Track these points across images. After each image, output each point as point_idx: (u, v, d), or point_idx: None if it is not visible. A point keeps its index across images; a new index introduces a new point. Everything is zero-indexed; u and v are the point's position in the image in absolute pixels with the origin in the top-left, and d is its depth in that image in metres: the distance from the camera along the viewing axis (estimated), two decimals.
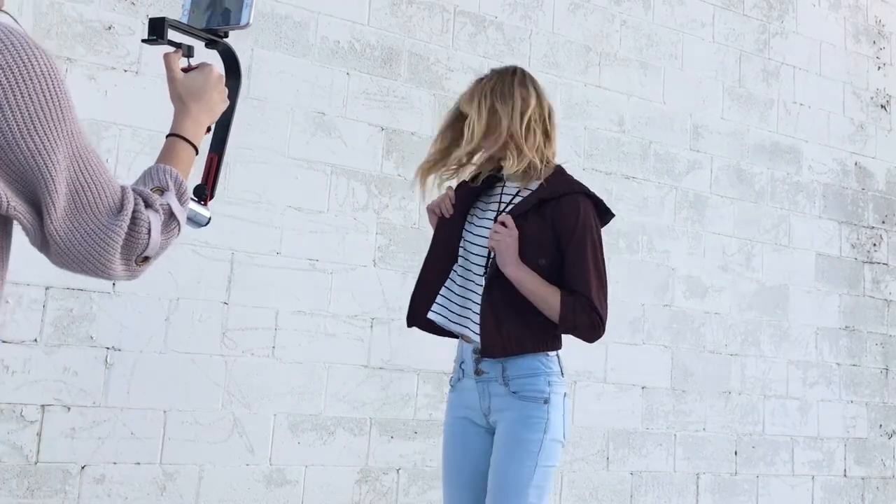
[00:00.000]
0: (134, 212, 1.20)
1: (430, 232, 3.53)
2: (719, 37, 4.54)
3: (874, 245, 4.94)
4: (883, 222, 5.00)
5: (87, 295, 2.92)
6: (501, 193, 2.40)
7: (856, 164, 4.94)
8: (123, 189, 1.21)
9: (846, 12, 5.05)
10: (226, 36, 1.57)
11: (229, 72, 1.60)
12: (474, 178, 2.45)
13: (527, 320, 2.23)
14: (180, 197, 1.31)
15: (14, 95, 1.08)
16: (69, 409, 2.87)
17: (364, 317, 3.42)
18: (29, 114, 1.09)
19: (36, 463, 2.81)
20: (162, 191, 1.29)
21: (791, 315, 4.55)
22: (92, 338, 2.92)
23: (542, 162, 2.33)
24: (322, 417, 3.30)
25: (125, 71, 3.05)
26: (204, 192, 1.58)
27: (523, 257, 2.24)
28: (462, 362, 2.34)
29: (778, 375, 4.48)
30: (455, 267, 2.39)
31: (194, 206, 1.52)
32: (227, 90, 1.52)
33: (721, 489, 4.24)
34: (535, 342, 2.24)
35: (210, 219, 1.57)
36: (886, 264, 4.98)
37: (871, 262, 4.91)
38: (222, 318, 3.14)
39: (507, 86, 2.35)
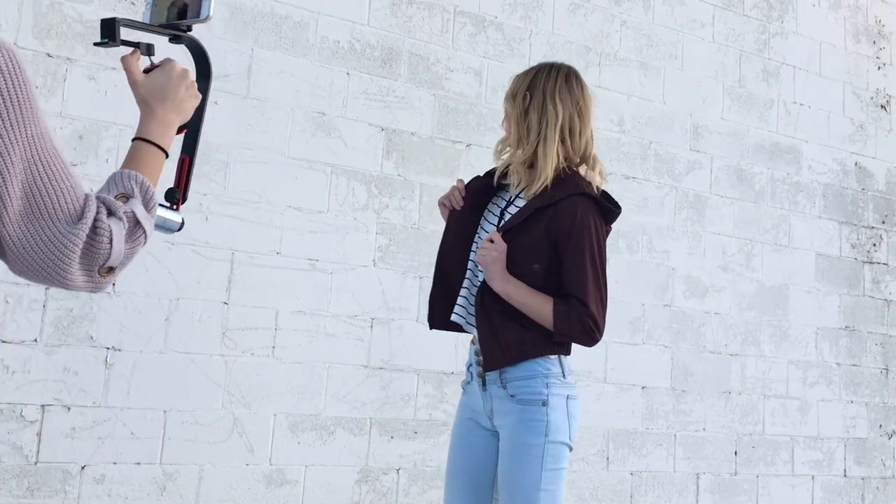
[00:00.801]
0: (95, 220, 1.15)
1: (430, 232, 3.54)
2: (719, 37, 4.54)
3: (874, 245, 4.94)
4: (883, 222, 5.00)
5: (87, 295, 2.92)
6: (510, 193, 2.37)
7: (856, 164, 4.94)
8: (86, 197, 1.16)
9: (846, 12, 5.05)
10: (189, 30, 1.50)
11: (198, 67, 1.53)
12: (488, 173, 2.42)
13: (524, 325, 2.20)
14: (146, 203, 1.25)
15: None
16: (69, 409, 2.87)
17: (364, 317, 3.42)
18: None
19: (36, 463, 2.81)
20: (127, 197, 1.23)
21: (791, 315, 4.55)
22: (92, 338, 2.92)
23: (555, 170, 2.27)
24: (322, 417, 3.30)
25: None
26: (175, 196, 1.51)
27: (518, 263, 2.21)
28: (470, 365, 2.34)
29: (778, 375, 4.48)
30: (469, 264, 2.36)
31: (164, 212, 1.46)
32: (195, 85, 1.45)
33: (721, 489, 4.24)
34: (536, 346, 2.19)
35: (182, 224, 1.51)
36: (886, 264, 4.98)
37: (871, 262, 4.91)
38: (222, 318, 3.14)
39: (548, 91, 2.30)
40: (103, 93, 2.99)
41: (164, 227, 1.47)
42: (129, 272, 2.99)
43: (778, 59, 4.72)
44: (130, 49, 1.43)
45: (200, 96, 1.46)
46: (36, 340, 2.84)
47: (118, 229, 1.17)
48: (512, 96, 2.35)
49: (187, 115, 1.43)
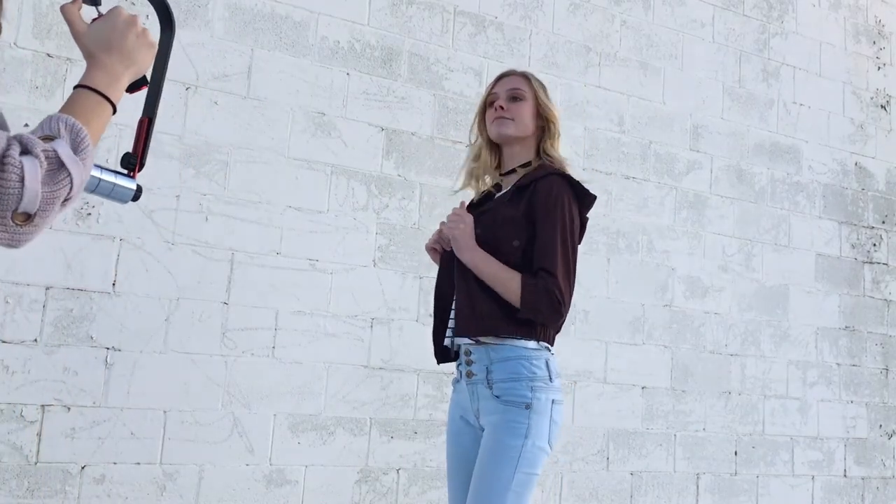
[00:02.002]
0: (3, 156, 1.01)
1: (430, 232, 3.54)
2: (719, 37, 4.54)
3: (874, 245, 4.94)
4: (883, 222, 5.00)
5: (87, 295, 2.92)
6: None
7: (856, 164, 4.94)
8: (7, 136, 1.03)
9: (846, 12, 5.05)
10: None
11: (160, 18, 1.43)
12: (471, 203, 2.46)
13: (499, 303, 2.19)
14: (76, 146, 1.10)
15: None
16: (69, 409, 2.87)
17: (364, 317, 3.42)
18: None
19: (36, 463, 2.81)
20: (51, 139, 1.08)
21: (791, 315, 4.55)
22: (92, 338, 2.92)
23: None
24: (322, 417, 3.30)
25: None
26: (132, 162, 1.37)
27: (500, 240, 2.23)
28: (459, 364, 2.34)
29: (778, 375, 4.47)
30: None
31: (114, 178, 1.33)
32: (148, 33, 1.31)
33: (721, 489, 4.23)
34: (509, 327, 2.18)
35: (139, 191, 1.37)
36: (886, 264, 4.98)
37: (871, 263, 4.91)
38: (222, 318, 3.14)
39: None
40: None
41: (112, 194, 1.34)
42: (129, 272, 2.99)
43: (778, 59, 4.72)
44: None
45: (156, 46, 1.33)
46: (36, 340, 2.84)
47: (32, 166, 1.02)
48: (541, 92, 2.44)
49: (141, 66, 1.29)
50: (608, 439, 3.93)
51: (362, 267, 3.43)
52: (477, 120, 2.51)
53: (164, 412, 3.02)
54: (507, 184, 2.43)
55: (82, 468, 2.88)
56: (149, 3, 1.45)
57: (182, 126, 3.10)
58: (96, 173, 1.31)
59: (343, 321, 3.37)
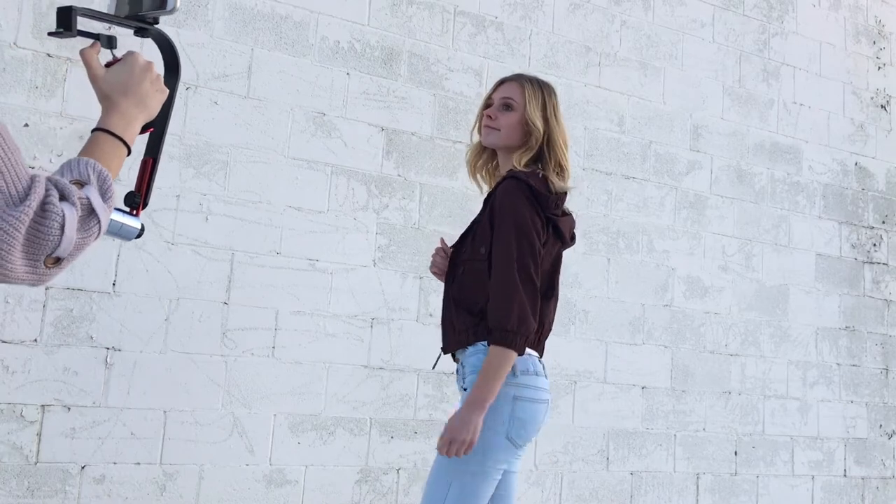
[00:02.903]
0: (44, 202, 1.02)
1: (430, 232, 3.54)
2: (719, 37, 4.54)
3: (874, 245, 4.94)
4: (883, 222, 5.00)
5: (87, 295, 2.92)
6: None
7: (856, 164, 4.94)
8: (33, 177, 1.04)
9: (846, 12, 5.05)
10: (155, 22, 1.40)
11: (166, 61, 1.44)
12: None
13: (472, 314, 2.26)
14: (104, 193, 1.13)
15: None
16: (69, 409, 2.87)
17: (364, 317, 3.42)
18: None
19: (36, 463, 2.81)
20: (82, 184, 1.11)
21: (791, 315, 4.55)
22: (92, 338, 2.92)
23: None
24: (322, 417, 3.30)
25: None
26: (135, 201, 1.40)
27: (469, 250, 2.31)
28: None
29: (778, 375, 4.48)
30: None
31: (121, 217, 1.36)
32: (161, 79, 1.36)
33: (721, 489, 4.24)
34: (477, 333, 2.25)
35: (142, 231, 1.39)
36: (886, 264, 4.98)
37: (871, 263, 4.91)
38: (222, 318, 3.14)
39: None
40: None
41: (119, 233, 1.37)
42: (129, 272, 2.99)
43: (778, 59, 4.72)
44: (90, 41, 1.34)
45: (167, 92, 1.37)
46: (36, 340, 2.84)
47: (71, 214, 1.04)
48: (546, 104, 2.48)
49: (152, 112, 1.33)
50: (608, 439, 3.93)
51: (362, 267, 3.43)
52: (476, 122, 2.53)
53: (164, 412, 3.02)
54: None
55: (82, 468, 2.88)
56: (155, 46, 1.45)
57: (182, 126, 3.10)
58: None
59: (343, 321, 3.37)
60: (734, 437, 4.30)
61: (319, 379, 3.30)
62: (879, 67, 5.14)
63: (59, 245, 1.03)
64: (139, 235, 1.38)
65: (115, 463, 2.92)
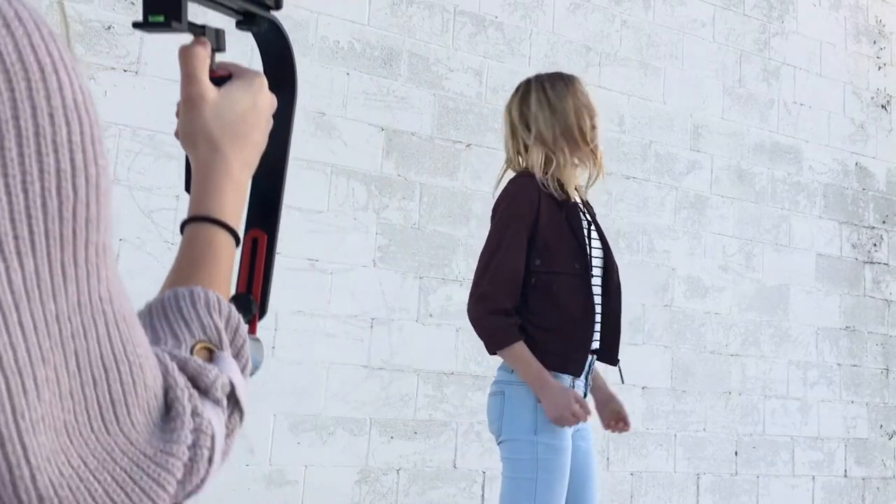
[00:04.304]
0: (192, 418, 0.55)
1: (430, 232, 3.54)
2: (719, 37, 4.53)
3: (874, 245, 4.94)
4: (883, 222, 5.00)
5: None
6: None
7: (856, 164, 4.93)
8: (162, 364, 0.55)
9: (846, 12, 5.05)
10: (278, 6, 0.88)
11: (277, 70, 0.92)
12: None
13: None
14: (237, 355, 0.65)
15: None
16: None
17: (364, 317, 3.41)
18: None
19: None
20: (211, 350, 0.62)
21: (791, 315, 4.55)
22: None
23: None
24: (322, 417, 3.30)
25: (125, 71, 3.04)
26: (250, 308, 0.84)
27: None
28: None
29: (778, 376, 4.47)
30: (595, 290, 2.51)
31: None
32: (274, 107, 0.85)
33: (721, 489, 4.23)
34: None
35: (262, 360, 0.80)
36: (887, 264, 4.97)
37: (871, 263, 4.91)
38: None
39: None
40: (103, 93, 2.99)
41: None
42: (129, 272, 2.99)
43: (778, 59, 4.72)
44: (192, 37, 0.84)
45: (272, 123, 0.85)
46: None
47: (219, 424, 0.58)
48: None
49: (253, 167, 0.84)
50: (608, 439, 3.92)
51: (362, 267, 3.43)
52: (590, 137, 2.59)
53: None
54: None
55: None
56: (260, 56, 0.92)
57: None
58: None
59: (343, 321, 3.37)
60: (734, 437, 4.30)
61: (319, 379, 3.30)
62: (880, 67, 5.13)
63: (204, 479, 0.57)
64: (258, 368, 0.75)
65: None
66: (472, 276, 2.37)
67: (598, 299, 2.32)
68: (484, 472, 3.58)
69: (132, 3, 3.07)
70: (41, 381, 0.46)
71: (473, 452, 3.56)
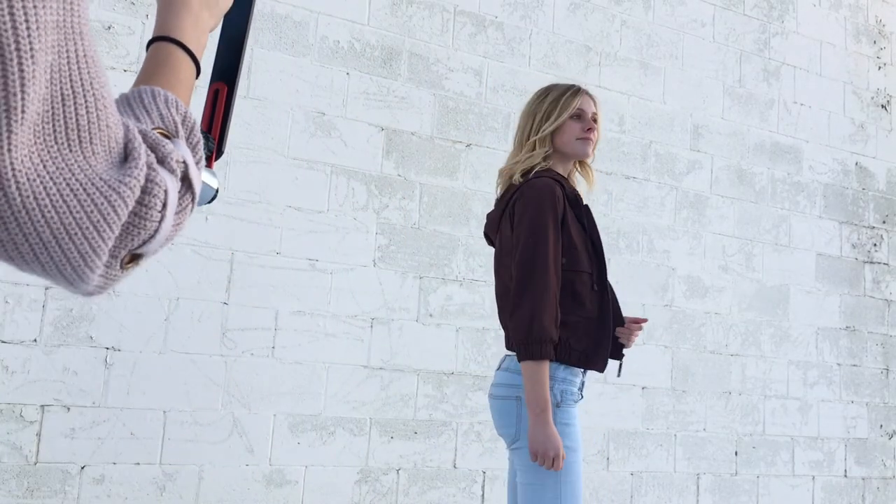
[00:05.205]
0: (147, 169, 0.64)
1: (430, 232, 3.54)
2: (719, 37, 4.53)
3: (874, 245, 4.94)
4: (883, 222, 5.00)
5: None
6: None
7: (856, 164, 4.93)
8: (126, 125, 0.65)
9: (846, 12, 5.05)
10: None
11: None
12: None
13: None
14: (193, 147, 0.73)
15: None
16: (69, 409, 2.87)
17: (364, 317, 3.41)
18: None
19: (36, 463, 2.81)
20: (167, 136, 0.71)
21: (791, 315, 4.55)
22: (92, 338, 2.92)
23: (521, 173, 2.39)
24: (322, 417, 3.30)
25: (125, 71, 3.04)
26: (209, 146, 0.96)
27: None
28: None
29: (778, 376, 4.47)
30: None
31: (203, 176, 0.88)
32: None
33: (721, 489, 4.23)
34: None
35: (218, 190, 0.94)
36: (887, 264, 4.97)
37: (871, 262, 4.91)
38: (222, 318, 3.14)
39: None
40: None
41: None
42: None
43: (778, 59, 4.72)
44: None
45: None
46: (36, 340, 2.84)
47: (173, 187, 0.66)
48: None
49: (219, 16, 0.92)
50: (608, 439, 3.92)
51: (362, 267, 3.43)
52: (555, 129, 2.57)
53: (164, 412, 3.01)
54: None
55: (82, 468, 2.87)
56: None
57: None
58: None
59: (343, 321, 3.37)
60: (734, 437, 4.30)
61: (319, 379, 3.30)
62: (880, 67, 5.13)
63: (155, 234, 0.65)
64: (214, 198, 0.92)
65: (114, 463, 2.92)
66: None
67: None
68: (484, 472, 3.58)
69: (132, 3, 3.07)
70: (28, 76, 0.54)
71: (473, 452, 3.56)
